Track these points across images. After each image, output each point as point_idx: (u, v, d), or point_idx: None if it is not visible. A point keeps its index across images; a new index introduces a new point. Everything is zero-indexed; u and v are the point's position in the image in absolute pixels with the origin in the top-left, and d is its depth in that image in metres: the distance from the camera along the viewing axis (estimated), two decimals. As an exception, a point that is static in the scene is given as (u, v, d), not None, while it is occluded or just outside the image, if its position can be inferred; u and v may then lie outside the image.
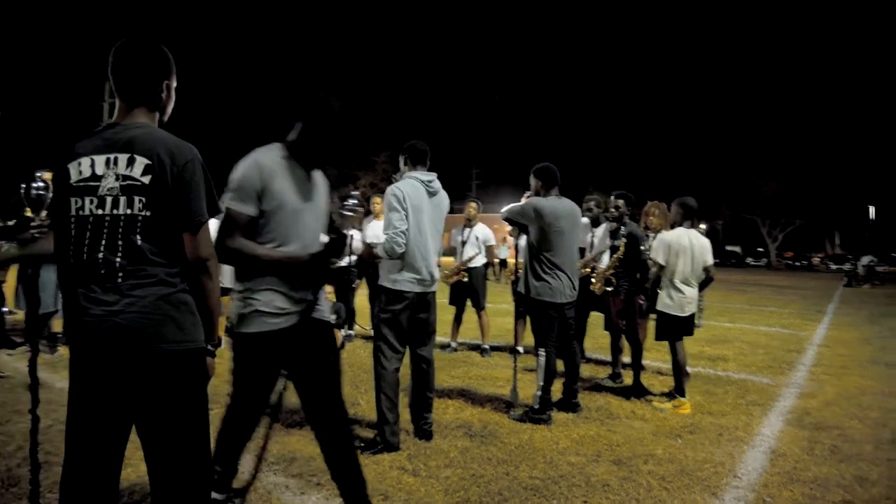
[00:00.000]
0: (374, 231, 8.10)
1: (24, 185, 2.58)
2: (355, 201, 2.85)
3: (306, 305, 2.70)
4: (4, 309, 6.73)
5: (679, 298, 5.44)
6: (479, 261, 7.83)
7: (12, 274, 6.99)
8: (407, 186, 4.09)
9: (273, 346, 2.67)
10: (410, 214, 4.04)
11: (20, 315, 7.70)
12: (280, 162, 2.64)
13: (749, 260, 58.36)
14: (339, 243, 2.65)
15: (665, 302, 5.44)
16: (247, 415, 2.90)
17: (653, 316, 6.50)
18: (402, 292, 4.08)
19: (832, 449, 4.34)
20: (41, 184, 2.86)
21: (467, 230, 7.95)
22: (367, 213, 8.62)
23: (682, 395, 5.27)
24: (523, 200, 5.06)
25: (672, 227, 5.69)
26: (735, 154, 50.40)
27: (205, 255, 2.05)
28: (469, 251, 7.81)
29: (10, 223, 5.04)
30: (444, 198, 4.30)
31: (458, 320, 8.01)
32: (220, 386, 5.57)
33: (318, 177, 2.85)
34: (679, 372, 5.34)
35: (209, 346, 2.15)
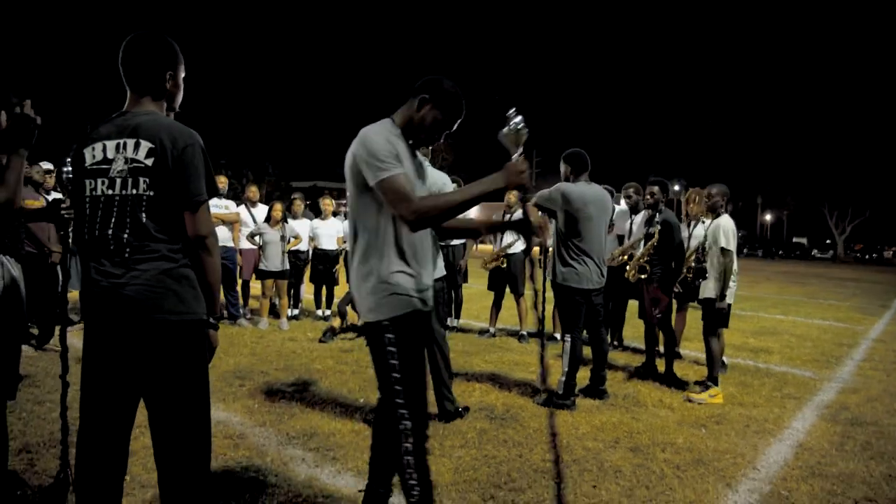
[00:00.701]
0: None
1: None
2: (520, 117, 2.51)
3: (429, 290, 2.62)
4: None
5: (733, 287, 5.35)
6: (518, 247, 7.83)
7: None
8: None
9: (417, 327, 2.53)
10: None
11: (75, 294, 8.09)
12: (395, 135, 2.55)
13: (815, 252, 56.27)
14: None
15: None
16: (418, 422, 2.51)
17: (693, 304, 6.40)
18: None
19: (864, 445, 4.20)
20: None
21: (507, 216, 7.95)
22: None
23: (717, 384, 5.18)
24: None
25: (715, 212, 5.52)
26: (801, 141, 48.57)
27: (204, 232, 2.15)
28: (508, 237, 7.82)
29: (43, 204, 5.32)
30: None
31: (496, 306, 8.04)
32: (256, 365, 5.79)
33: (422, 157, 2.78)
34: (714, 361, 5.25)
35: (210, 319, 2.25)
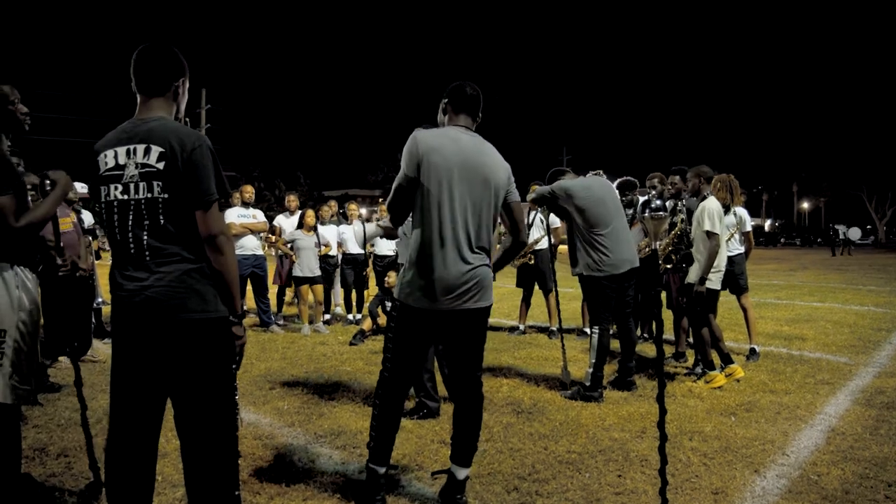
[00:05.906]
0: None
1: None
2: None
3: None
4: (99, 300, 7.27)
5: (721, 272, 5.30)
6: (545, 243, 7.81)
7: (103, 271, 7.56)
8: None
9: None
10: None
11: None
12: None
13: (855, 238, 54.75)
14: None
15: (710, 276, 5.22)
16: None
17: (723, 292, 6.32)
18: None
19: (900, 428, 4.12)
20: None
21: (532, 212, 7.93)
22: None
23: (712, 369, 5.24)
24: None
25: (699, 195, 5.44)
26: (835, 126, 47.47)
27: (215, 231, 2.20)
28: (534, 234, 7.80)
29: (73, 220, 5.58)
30: None
31: (525, 302, 8.05)
32: (286, 368, 5.87)
33: None
34: (705, 346, 5.27)
35: (232, 317, 2.30)
